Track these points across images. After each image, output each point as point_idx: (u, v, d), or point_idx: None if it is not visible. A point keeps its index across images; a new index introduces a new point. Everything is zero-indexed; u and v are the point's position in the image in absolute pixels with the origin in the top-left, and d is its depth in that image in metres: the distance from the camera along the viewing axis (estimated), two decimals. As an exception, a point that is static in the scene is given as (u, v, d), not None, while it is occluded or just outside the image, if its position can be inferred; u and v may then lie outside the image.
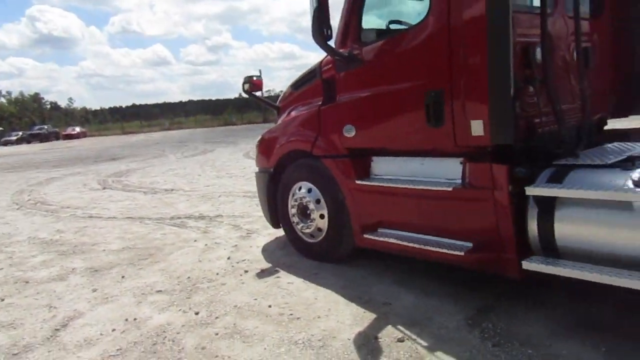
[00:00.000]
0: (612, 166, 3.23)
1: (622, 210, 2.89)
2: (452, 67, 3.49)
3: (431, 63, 3.65)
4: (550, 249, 3.24)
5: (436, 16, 3.57)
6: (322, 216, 4.75)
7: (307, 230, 4.91)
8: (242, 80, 5.49)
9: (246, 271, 4.75)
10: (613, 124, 4.83)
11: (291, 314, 3.70)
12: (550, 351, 2.94)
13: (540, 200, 3.23)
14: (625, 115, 4.83)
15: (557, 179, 3.29)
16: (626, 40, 4.62)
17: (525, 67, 3.55)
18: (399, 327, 3.38)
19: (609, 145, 4.14)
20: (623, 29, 4.61)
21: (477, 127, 3.42)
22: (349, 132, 4.33)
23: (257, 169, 5.63)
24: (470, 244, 3.62)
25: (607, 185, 3.01)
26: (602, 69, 4.57)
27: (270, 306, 3.86)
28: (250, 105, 59.10)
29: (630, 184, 2.92)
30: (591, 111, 4.45)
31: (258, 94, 5.82)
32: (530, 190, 3.22)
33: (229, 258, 5.20)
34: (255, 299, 4.03)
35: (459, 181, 3.66)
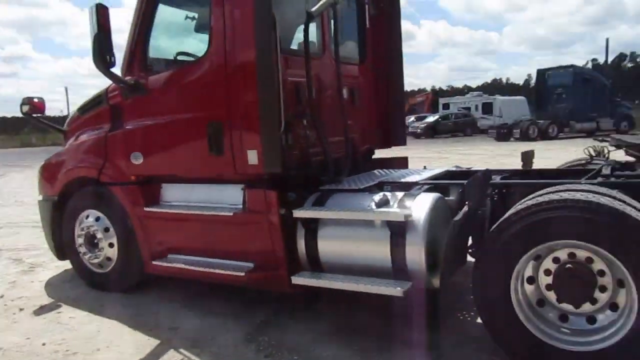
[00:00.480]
0: (364, 190, 3.81)
1: (366, 227, 3.44)
2: (230, 101, 3.78)
3: (212, 96, 3.89)
4: (316, 264, 3.68)
5: (215, 53, 3.84)
6: (111, 245, 4.63)
7: (96, 260, 4.72)
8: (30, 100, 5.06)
9: (21, 309, 4.38)
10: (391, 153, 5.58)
11: (67, 350, 3.53)
12: (313, 355, 3.33)
13: (306, 222, 3.66)
14: (389, 146, 5.66)
15: (320, 202, 3.76)
16: (384, 85, 5.44)
17: (296, 103, 3.99)
18: (181, 350, 3.48)
19: (375, 171, 4.84)
20: (382, 75, 5.43)
21: (252, 157, 3.74)
22: (137, 159, 4.33)
23: (40, 197, 5.23)
24: (251, 265, 3.89)
25: (355, 206, 3.56)
26: (369, 107, 5.32)
27: (44, 344, 3.63)
28: (54, 124, 52.92)
29: (373, 205, 3.48)
30: (360, 143, 5.17)
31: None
32: (297, 213, 3.63)
33: (1, 296, 4.71)
34: (28, 339, 3.74)
35: (240, 206, 3.92)
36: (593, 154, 3.88)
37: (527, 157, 4.77)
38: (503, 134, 26.44)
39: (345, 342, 3.47)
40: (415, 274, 3.30)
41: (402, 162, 5.56)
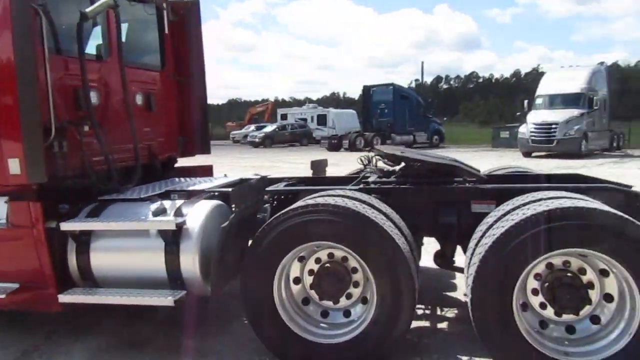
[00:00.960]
0: (144, 199, 3.70)
1: (140, 237, 3.34)
2: None
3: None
4: (90, 279, 3.46)
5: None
6: None
7: None
8: None
9: None
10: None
11: None
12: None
13: (77, 235, 3.43)
14: (192, 155, 5.60)
15: (95, 213, 3.56)
16: (188, 93, 5.39)
17: (74, 109, 3.73)
18: None
19: (173, 179, 4.74)
20: (184, 84, 5.37)
21: (14, 166, 3.38)
22: None
23: None
24: (17, 285, 3.52)
25: (130, 216, 3.44)
26: (170, 115, 5.21)
27: None
28: None
29: (149, 214, 3.40)
30: (159, 151, 5.03)
31: None
32: (64, 226, 3.38)
33: None
34: None
35: (3, 221, 3.53)
36: (365, 162, 4.29)
37: (318, 166, 5.11)
38: (334, 144, 28.09)
39: (122, 356, 3.33)
40: (191, 283, 3.29)
41: (206, 170, 5.54)
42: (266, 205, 3.74)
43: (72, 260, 3.46)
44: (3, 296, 3.42)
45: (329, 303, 3.22)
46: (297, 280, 3.25)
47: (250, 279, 3.12)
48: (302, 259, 3.22)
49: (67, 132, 3.66)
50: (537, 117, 20.89)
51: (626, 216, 2.62)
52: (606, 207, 2.70)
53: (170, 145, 5.26)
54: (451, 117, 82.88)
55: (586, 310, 2.90)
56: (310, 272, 3.21)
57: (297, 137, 35.99)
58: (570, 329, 2.94)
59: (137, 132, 4.41)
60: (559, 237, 2.68)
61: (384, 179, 3.81)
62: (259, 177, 3.95)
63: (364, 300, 3.17)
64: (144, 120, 4.71)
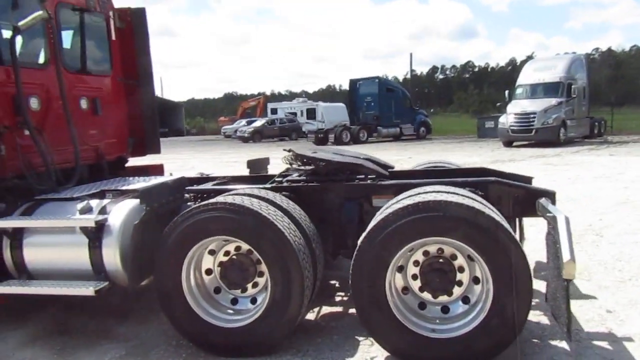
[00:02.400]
0: (77, 199, 4.02)
1: (67, 234, 3.66)
2: None
3: None
4: (25, 272, 3.79)
5: None
6: None
7: None
8: None
9: None
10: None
11: None
12: (15, 358, 3.47)
13: (10, 231, 3.75)
14: (143, 155, 5.92)
15: (29, 211, 3.88)
16: (137, 95, 5.70)
17: (13, 113, 4.04)
18: None
19: (117, 178, 5.05)
20: (133, 87, 5.68)
21: (-50, 170, 3.72)
22: None
23: None
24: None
25: (59, 214, 3.75)
26: (119, 117, 5.53)
27: None
28: None
29: (77, 213, 3.71)
30: (107, 151, 5.35)
31: None
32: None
33: None
34: None
35: None
36: (288, 162, 4.59)
37: (255, 164, 5.43)
38: (320, 138, 28.38)
39: (48, 344, 3.66)
40: (114, 275, 3.62)
41: (157, 170, 5.87)
42: (190, 203, 4.08)
43: (7, 255, 3.79)
44: None
45: (237, 291, 3.56)
46: (209, 272, 3.58)
47: (161, 270, 3.45)
48: (212, 252, 3.55)
49: (3, 137, 3.98)
50: (516, 107, 21.21)
51: (478, 207, 2.94)
52: (464, 200, 3.01)
53: (119, 146, 5.58)
54: (445, 107, 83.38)
55: (458, 291, 3.24)
56: (220, 264, 3.54)
57: (286, 131, 36.27)
58: (445, 309, 3.28)
59: (82, 135, 4.74)
60: (420, 227, 3.01)
61: (295, 178, 4.14)
62: (176, 177, 4.26)
63: (266, 288, 3.51)
64: (90, 123, 5.04)
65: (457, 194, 3.22)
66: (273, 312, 3.30)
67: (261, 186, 3.99)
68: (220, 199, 3.41)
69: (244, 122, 42.25)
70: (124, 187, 4.43)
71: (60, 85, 4.44)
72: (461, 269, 3.21)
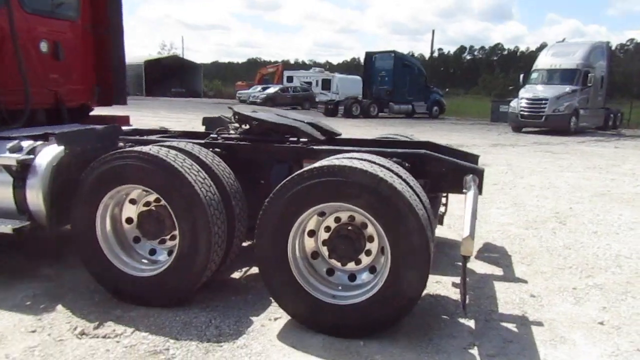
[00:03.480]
0: (15, 138, 4.01)
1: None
2: None
3: None
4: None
5: None
6: None
7: None
8: None
9: None
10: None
11: None
12: None
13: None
14: (109, 105, 5.92)
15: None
16: (106, 45, 5.66)
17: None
18: None
19: (73, 125, 5.05)
20: (103, 35, 5.63)
21: None
22: None
23: None
24: None
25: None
26: (84, 65, 5.50)
27: None
28: None
29: (6, 152, 3.72)
30: (68, 98, 5.35)
31: None
32: None
33: None
34: None
35: None
36: (229, 120, 4.50)
37: (211, 122, 5.38)
38: (330, 109, 28.17)
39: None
40: (37, 216, 3.65)
41: (123, 121, 5.86)
42: None
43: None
44: None
45: (155, 242, 3.57)
46: (130, 220, 3.59)
47: (76, 215, 3.46)
48: (134, 202, 3.55)
49: None
50: (529, 91, 20.69)
51: (382, 176, 2.86)
52: (370, 167, 2.93)
53: (83, 93, 5.57)
54: (469, 89, 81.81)
55: (367, 260, 3.20)
56: (140, 213, 3.54)
57: (299, 100, 36.10)
58: (352, 276, 3.25)
59: (40, 78, 4.75)
60: (323, 191, 2.95)
61: (229, 136, 4.08)
62: (109, 125, 4.23)
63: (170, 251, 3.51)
64: (50, 67, 5.03)
65: (375, 162, 3.14)
66: (180, 265, 3.29)
67: (195, 141, 3.95)
68: (137, 148, 3.39)
69: (259, 87, 42.08)
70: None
71: (10, 25, 4.41)
72: (371, 239, 3.16)
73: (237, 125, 4.34)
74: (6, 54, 4.49)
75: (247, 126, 4.00)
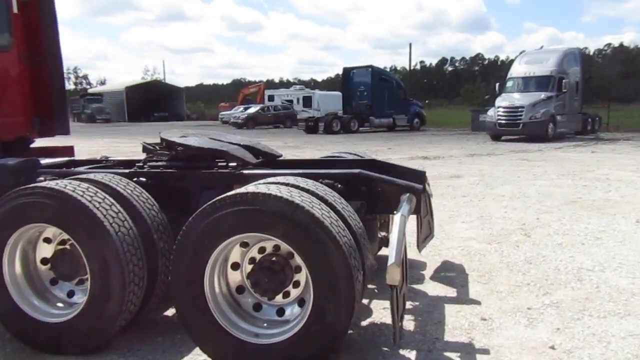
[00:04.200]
0: None
1: None
2: None
3: None
4: None
5: None
6: None
7: None
8: None
9: None
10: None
11: None
12: None
13: None
14: (52, 135, 5.66)
15: None
16: (44, 73, 5.43)
17: None
18: None
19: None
20: (40, 64, 5.40)
21: None
22: None
23: None
24: None
25: None
26: (20, 95, 5.26)
27: None
28: None
29: None
30: (1, 132, 5.09)
31: None
32: None
33: None
34: None
35: None
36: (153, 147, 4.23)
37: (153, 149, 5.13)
38: (311, 126, 28.07)
39: None
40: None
41: (67, 151, 5.61)
42: None
43: None
44: None
45: (72, 283, 3.30)
46: (45, 261, 3.30)
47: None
48: (49, 241, 3.27)
49: None
50: (505, 100, 20.74)
51: (298, 202, 2.64)
52: (287, 193, 2.70)
53: (19, 125, 5.32)
54: (451, 100, 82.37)
55: (295, 293, 2.95)
56: (53, 253, 3.26)
57: (280, 118, 36.00)
58: (280, 311, 3.00)
59: None
60: (237, 221, 2.71)
61: (156, 164, 3.84)
62: (24, 159, 3.97)
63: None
64: None
65: (299, 186, 2.91)
66: (93, 308, 3.01)
67: (118, 171, 3.71)
68: (42, 183, 3.13)
69: (241, 108, 41.95)
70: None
71: None
72: (298, 269, 2.90)
73: (166, 152, 4.10)
74: None
75: (174, 152, 3.76)
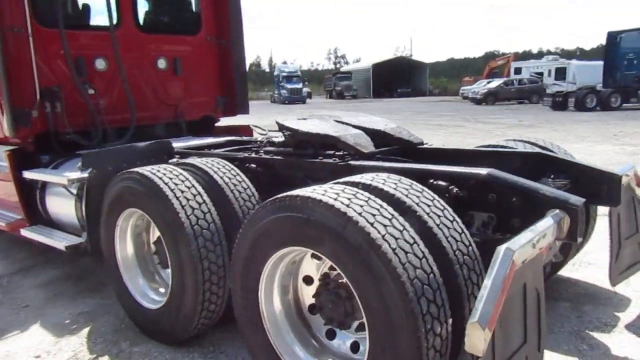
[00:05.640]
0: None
1: (62, 188, 3.83)
2: None
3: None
4: (50, 220, 4.18)
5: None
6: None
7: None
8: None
9: None
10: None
11: None
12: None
13: (40, 182, 4.12)
14: (233, 115, 5.91)
15: (58, 165, 4.20)
16: (228, 55, 5.66)
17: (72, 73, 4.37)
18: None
19: (185, 138, 5.11)
20: (224, 46, 5.65)
21: (4, 123, 4.25)
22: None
23: None
24: (18, 216, 4.45)
25: (70, 169, 3.93)
26: (206, 77, 5.61)
27: None
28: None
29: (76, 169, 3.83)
30: (188, 112, 5.48)
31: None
32: (25, 174, 4.10)
33: None
34: None
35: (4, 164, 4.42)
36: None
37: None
38: (558, 102, 24.44)
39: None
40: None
41: (246, 130, 5.80)
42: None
43: (38, 203, 4.22)
44: (2, 224, 4.41)
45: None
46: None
47: (102, 237, 3.33)
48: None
49: (57, 96, 4.33)
50: None
51: (352, 214, 1.92)
52: (345, 200, 2.00)
53: (204, 105, 5.66)
54: None
55: (370, 328, 2.26)
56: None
57: (525, 93, 32.46)
58: (355, 345, 2.35)
59: (159, 94, 5.00)
60: (285, 230, 2.15)
61: (269, 148, 3.48)
62: (155, 142, 3.99)
63: None
64: (168, 83, 5.21)
65: (376, 188, 2.19)
66: (171, 304, 2.89)
67: (235, 154, 3.49)
68: (137, 169, 3.06)
69: (484, 82, 39.38)
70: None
71: (114, 48, 4.59)
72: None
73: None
74: (117, 75, 4.71)
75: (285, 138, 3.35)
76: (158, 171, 2.93)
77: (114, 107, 4.71)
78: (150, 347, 3.01)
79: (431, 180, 2.47)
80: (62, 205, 3.93)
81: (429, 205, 2.13)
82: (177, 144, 4.04)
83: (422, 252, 1.91)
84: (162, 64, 5.17)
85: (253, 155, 3.43)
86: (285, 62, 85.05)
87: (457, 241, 2.06)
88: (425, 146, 3.46)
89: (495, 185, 2.38)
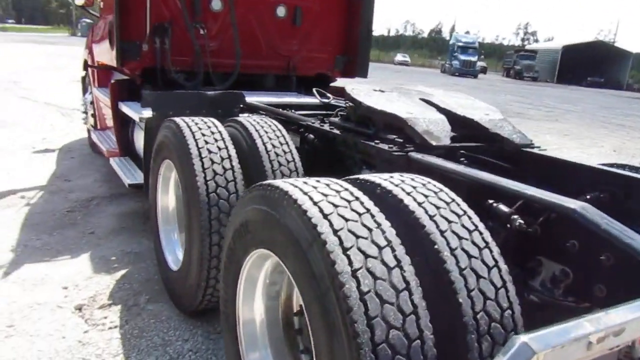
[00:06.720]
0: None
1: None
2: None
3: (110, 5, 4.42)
4: (137, 154, 4.22)
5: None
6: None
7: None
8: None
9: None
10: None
11: None
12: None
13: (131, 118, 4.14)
14: (352, 77, 5.43)
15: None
16: (356, 12, 5.16)
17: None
18: None
19: (277, 93, 4.80)
20: (353, 4, 5.14)
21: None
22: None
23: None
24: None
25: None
26: (326, 32, 5.19)
27: None
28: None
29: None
30: (301, 66, 5.13)
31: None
32: (120, 105, 4.14)
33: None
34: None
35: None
36: None
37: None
38: None
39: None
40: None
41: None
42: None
43: (130, 136, 4.29)
44: (104, 149, 4.61)
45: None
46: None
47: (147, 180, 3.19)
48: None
49: (167, 32, 4.28)
50: None
51: (324, 229, 1.34)
52: (329, 208, 1.41)
53: (320, 62, 5.27)
54: None
55: None
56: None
57: None
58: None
59: (271, 43, 4.75)
60: (257, 227, 1.66)
61: (334, 120, 2.93)
62: (226, 92, 3.61)
63: None
64: (284, 32, 4.90)
65: (393, 197, 1.56)
66: (182, 270, 2.63)
67: (308, 118, 3.05)
68: (174, 118, 2.74)
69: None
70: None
71: None
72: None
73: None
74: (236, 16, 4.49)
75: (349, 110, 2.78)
76: (195, 124, 2.62)
77: (222, 51, 4.53)
78: (162, 309, 2.81)
79: (490, 201, 1.75)
80: (139, 141, 3.90)
81: (464, 242, 1.45)
82: (252, 98, 3.71)
83: (415, 310, 1.28)
84: (281, 11, 4.84)
85: (317, 124, 2.94)
86: (468, 32, 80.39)
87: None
88: (532, 150, 2.62)
89: (582, 228, 1.59)
